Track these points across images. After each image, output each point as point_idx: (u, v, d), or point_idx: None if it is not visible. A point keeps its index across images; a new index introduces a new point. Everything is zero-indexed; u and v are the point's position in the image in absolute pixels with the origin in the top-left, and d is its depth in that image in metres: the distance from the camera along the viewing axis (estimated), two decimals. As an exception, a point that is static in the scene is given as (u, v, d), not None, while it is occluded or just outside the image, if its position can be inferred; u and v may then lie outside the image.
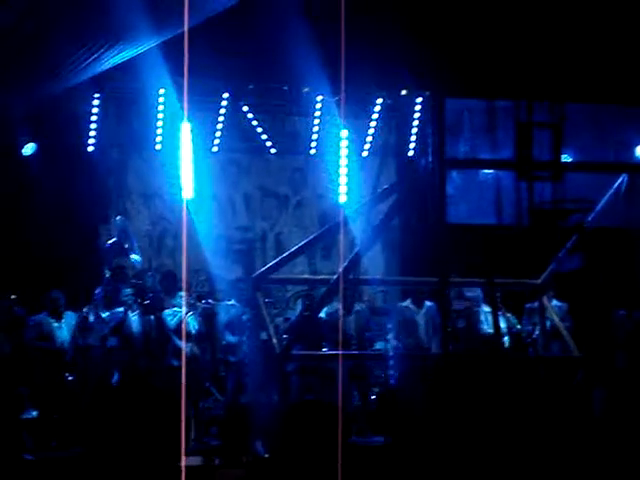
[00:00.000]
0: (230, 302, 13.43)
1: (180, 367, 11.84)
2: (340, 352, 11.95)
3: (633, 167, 11.49)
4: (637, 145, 11.46)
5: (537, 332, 13.12)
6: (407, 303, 13.63)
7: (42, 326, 12.13)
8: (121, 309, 12.35)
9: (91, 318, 12.30)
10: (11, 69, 10.20)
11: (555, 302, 13.18)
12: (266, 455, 10.81)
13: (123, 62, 11.11)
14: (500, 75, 11.49)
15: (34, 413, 11.89)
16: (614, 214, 11.38)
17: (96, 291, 12.73)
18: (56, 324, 12.10)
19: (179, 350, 12.08)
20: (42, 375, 12.02)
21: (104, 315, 12.35)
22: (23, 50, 9.66)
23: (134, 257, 13.41)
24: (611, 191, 11.38)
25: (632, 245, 14.77)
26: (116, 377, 12.28)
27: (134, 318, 12.28)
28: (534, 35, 12.31)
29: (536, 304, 13.20)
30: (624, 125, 11.42)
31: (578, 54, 12.47)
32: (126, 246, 13.35)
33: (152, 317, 12.31)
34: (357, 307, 14.10)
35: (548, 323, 12.91)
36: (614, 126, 11.41)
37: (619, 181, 11.43)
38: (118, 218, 13.85)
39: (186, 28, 6.80)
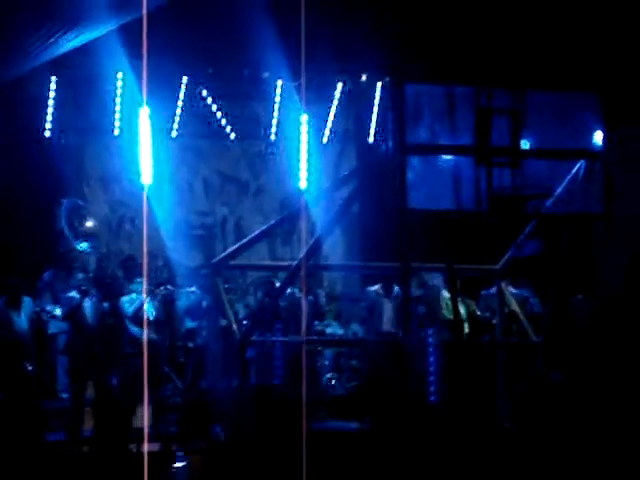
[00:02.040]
0: (191, 289, 13.38)
1: (135, 354, 11.76)
2: (301, 338, 11.97)
3: (591, 153, 11.52)
4: (595, 131, 11.50)
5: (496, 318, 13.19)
6: (377, 288, 13.65)
7: None
8: (74, 294, 12.19)
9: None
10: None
11: (511, 289, 13.25)
12: (225, 441, 10.79)
13: (81, 45, 10.98)
14: (460, 61, 11.51)
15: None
16: (572, 200, 11.43)
17: (44, 275, 12.62)
18: (14, 312, 11.91)
19: (135, 337, 12.02)
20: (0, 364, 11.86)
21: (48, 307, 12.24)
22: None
23: (81, 245, 13.26)
24: (569, 177, 11.43)
25: (589, 231, 14.92)
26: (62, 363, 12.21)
27: (87, 304, 12.14)
28: (494, 21, 12.35)
29: (492, 290, 13.27)
30: (583, 111, 11.45)
31: (537, 40, 12.52)
32: (68, 234, 13.20)
33: (106, 304, 12.18)
34: (317, 292, 14.17)
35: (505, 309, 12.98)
36: (573, 112, 11.43)
37: (577, 167, 11.49)
38: (64, 201, 13.69)
39: (145, 11, 6.73)
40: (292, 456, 8.19)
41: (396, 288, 13.50)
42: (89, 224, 13.34)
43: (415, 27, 11.55)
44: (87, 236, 13.32)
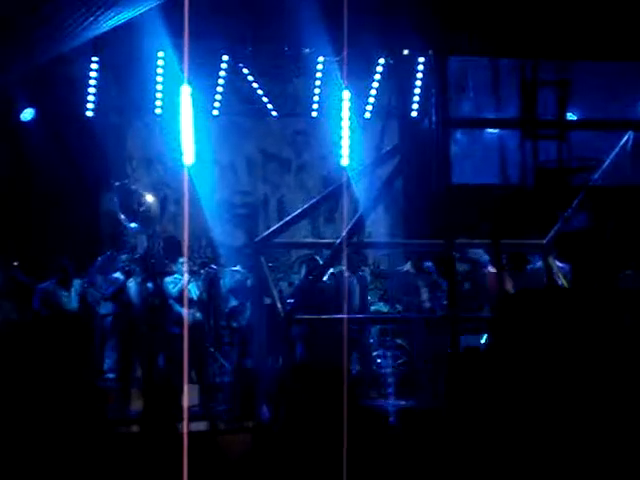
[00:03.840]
0: (235, 268, 13.36)
1: (181, 334, 11.78)
2: (345, 316, 11.89)
3: (639, 124, 11.32)
4: (643, 102, 11.32)
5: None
6: (408, 266, 13.55)
7: (49, 295, 12.05)
8: (118, 275, 12.23)
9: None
10: (8, 33, 10.05)
11: (558, 263, 13.09)
12: (271, 420, 10.76)
13: (121, 24, 10.94)
14: (504, 33, 11.32)
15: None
16: (620, 172, 11.26)
17: (97, 259, 12.66)
18: (64, 293, 12.00)
19: (180, 317, 12.03)
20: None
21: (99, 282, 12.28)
22: (20, 13, 9.50)
23: (132, 225, 13.30)
24: (617, 149, 11.24)
25: (638, 203, 14.65)
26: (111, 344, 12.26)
27: (132, 284, 12.17)
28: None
29: (538, 265, 13.10)
30: (630, 82, 11.24)
31: (583, 10, 12.28)
32: (122, 216, 13.25)
33: (150, 284, 12.20)
34: (361, 271, 14.06)
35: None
36: (620, 83, 11.23)
37: (625, 139, 11.30)
38: (117, 183, 13.74)
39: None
40: (338, 435, 8.13)
41: (427, 264, 13.38)
42: (145, 206, 13.37)
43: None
44: (143, 218, 13.37)
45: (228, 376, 12.83)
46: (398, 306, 14.22)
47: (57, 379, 9.02)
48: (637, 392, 9.31)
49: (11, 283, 12.39)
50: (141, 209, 13.39)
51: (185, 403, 9.16)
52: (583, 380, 9.59)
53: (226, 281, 13.18)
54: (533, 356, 9.69)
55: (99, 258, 12.78)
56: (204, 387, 12.38)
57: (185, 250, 12.13)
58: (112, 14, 9.76)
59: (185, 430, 7.46)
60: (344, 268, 13.13)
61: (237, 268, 13.30)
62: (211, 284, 12.98)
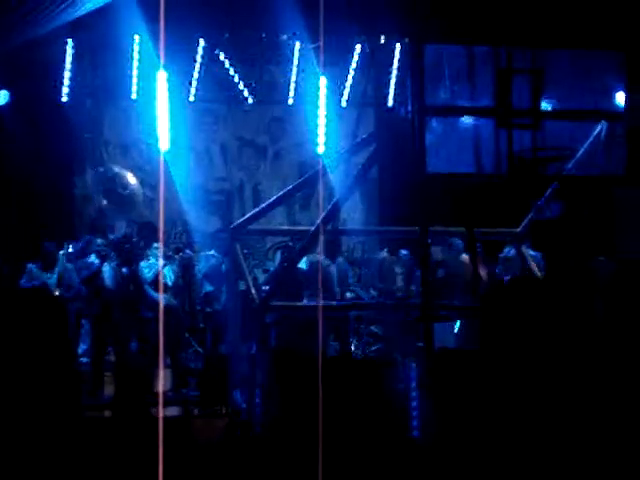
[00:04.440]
0: (210, 252, 13.36)
1: (155, 319, 11.78)
2: (319, 303, 11.90)
3: (612, 114, 11.38)
4: (617, 92, 11.35)
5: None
6: (385, 253, 13.61)
7: (33, 273, 12.04)
8: (93, 259, 12.21)
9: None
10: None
11: (530, 251, 13.18)
12: (244, 405, 10.80)
13: (98, 8, 10.90)
14: (479, 20, 11.34)
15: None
16: (593, 162, 11.31)
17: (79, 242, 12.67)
18: (47, 275, 12.00)
19: (155, 302, 12.02)
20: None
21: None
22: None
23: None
24: (590, 139, 11.29)
25: (611, 193, 14.77)
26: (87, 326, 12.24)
27: (106, 269, 12.15)
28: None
29: (511, 253, 13.17)
30: (604, 71, 11.30)
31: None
32: (104, 202, 13.25)
33: (125, 269, 12.19)
34: (338, 258, 14.09)
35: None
36: (594, 72, 11.29)
37: (598, 128, 11.35)
38: (99, 170, 13.73)
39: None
40: (311, 420, 8.18)
41: (403, 251, 13.43)
42: (129, 189, 13.37)
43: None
44: (127, 201, 13.37)
45: (202, 361, 12.84)
46: (373, 292, 14.28)
47: (32, 359, 9.04)
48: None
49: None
50: (126, 192, 13.40)
51: (160, 388, 9.18)
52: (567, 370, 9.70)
53: (201, 266, 13.19)
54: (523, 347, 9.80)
55: (80, 242, 12.74)
56: (178, 372, 12.39)
57: (161, 235, 12.11)
58: (88, -3, 9.73)
59: (160, 415, 7.50)
60: (321, 256, 13.18)
61: (212, 252, 13.30)
62: (186, 269, 12.99)
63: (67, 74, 14.48)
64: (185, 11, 13.12)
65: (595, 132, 11.29)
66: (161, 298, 11.89)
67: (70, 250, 12.23)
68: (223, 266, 13.01)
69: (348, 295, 13.98)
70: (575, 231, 12.37)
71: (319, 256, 13.23)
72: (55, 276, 11.98)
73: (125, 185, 13.57)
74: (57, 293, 11.92)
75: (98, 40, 14.35)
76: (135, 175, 14.61)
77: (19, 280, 12.00)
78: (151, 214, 14.75)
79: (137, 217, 14.45)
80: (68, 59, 14.42)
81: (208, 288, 13.17)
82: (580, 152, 11.23)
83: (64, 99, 14.52)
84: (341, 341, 13.26)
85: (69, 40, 14.23)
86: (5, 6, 9.79)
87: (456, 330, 13.25)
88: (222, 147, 16.11)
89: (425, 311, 11.50)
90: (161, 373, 9.78)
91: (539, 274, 12.82)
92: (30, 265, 12.03)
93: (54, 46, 14.02)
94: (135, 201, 13.57)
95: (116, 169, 14.00)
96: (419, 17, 10.81)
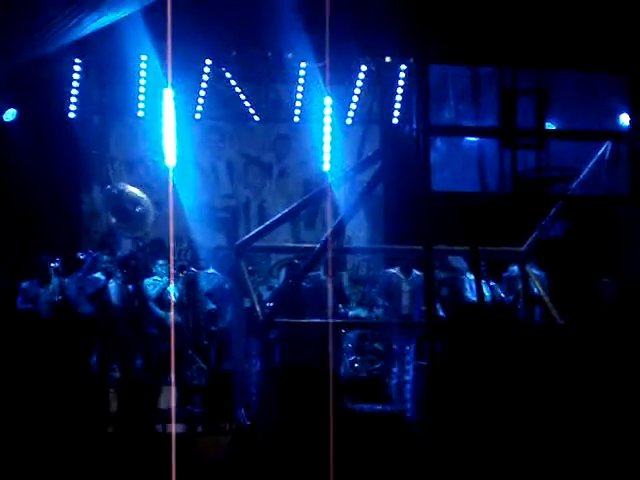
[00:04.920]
0: (210, 271, 13.40)
1: (160, 335, 11.83)
2: (327, 320, 11.94)
3: (617, 135, 11.42)
4: (621, 112, 11.40)
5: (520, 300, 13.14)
6: (395, 270, 13.64)
7: (29, 291, 12.10)
8: (99, 275, 12.26)
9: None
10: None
11: (535, 270, 13.20)
12: (249, 423, 10.81)
13: (105, 27, 10.98)
14: (484, 41, 11.42)
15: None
16: (598, 182, 11.35)
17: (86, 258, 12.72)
18: (42, 290, 12.05)
19: (159, 319, 12.06)
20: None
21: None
22: (3, 14, 9.53)
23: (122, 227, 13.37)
24: (595, 159, 11.34)
25: (615, 213, 14.81)
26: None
27: (112, 285, 12.21)
28: (519, 0, 12.24)
29: (514, 272, 13.21)
30: (609, 92, 11.36)
31: (564, 20, 12.40)
32: (113, 220, 13.30)
33: (131, 286, 12.24)
34: (340, 275, 14.15)
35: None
36: (599, 93, 11.34)
37: (603, 149, 11.39)
38: (108, 187, 13.78)
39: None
40: (318, 438, 8.18)
41: (415, 271, 13.47)
42: (141, 206, 13.42)
43: (440, 7, 11.46)
44: (138, 219, 13.40)
45: (205, 378, 12.87)
46: (376, 310, 14.30)
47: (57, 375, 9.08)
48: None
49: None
50: (137, 209, 13.44)
51: (173, 404, 9.21)
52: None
53: (203, 284, 13.23)
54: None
55: (88, 258, 12.79)
56: (182, 389, 12.42)
57: (171, 253, 12.17)
58: (96, 16, 9.80)
59: (173, 431, 7.51)
60: (321, 273, 13.22)
61: (212, 271, 13.34)
62: (190, 286, 13.04)
63: (74, 91, 14.57)
64: (192, 30, 13.21)
65: (599, 152, 11.34)
66: (171, 315, 11.95)
67: (56, 265, 12.23)
68: (226, 285, 13.05)
69: (351, 313, 14.01)
70: (579, 251, 12.40)
71: (318, 272, 13.29)
72: (49, 291, 12.02)
73: (136, 202, 13.62)
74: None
75: (105, 58, 14.43)
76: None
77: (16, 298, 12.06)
78: (157, 231, 14.79)
79: (144, 235, 14.49)
80: (75, 77, 14.51)
81: (211, 306, 13.20)
82: (584, 172, 11.27)
83: (71, 116, 14.60)
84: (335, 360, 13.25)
85: (76, 58, 14.31)
86: (13, 24, 9.86)
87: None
88: (228, 165, 16.18)
89: (429, 330, 11.52)
90: (173, 389, 9.81)
91: (543, 293, 12.84)
92: (24, 284, 12.08)
93: (62, 64, 14.11)
94: (146, 219, 13.61)
95: (125, 186, 14.05)
96: (424, 38, 10.89)
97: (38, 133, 14.00)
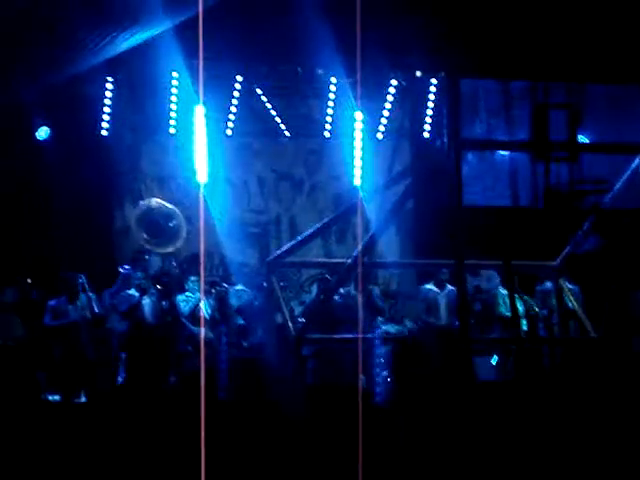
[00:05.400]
0: (239, 287, 13.41)
1: (193, 352, 11.84)
2: (358, 336, 11.90)
3: (650, 148, 11.36)
4: (654, 125, 11.36)
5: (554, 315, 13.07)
6: (430, 285, 13.61)
7: (57, 308, 12.15)
8: (133, 292, 12.32)
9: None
10: (25, 52, 10.17)
11: (568, 284, 13.12)
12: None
13: (137, 45, 11.05)
14: (515, 55, 11.39)
15: (56, 397, 11.88)
16: (631, 195, 11.28)
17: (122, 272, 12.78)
18: (70, 306, 12.10)
19: (193, 335, 12.09)
20: (61, 354, 12.02)
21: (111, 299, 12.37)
22: (38, 33, 9.61)
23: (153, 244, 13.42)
24: (628, 172, 11.27)
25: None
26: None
27: (146, 302, 12.25)
28: (549, 14, 12.18)
29: (548, 286, 13.14)
30: (641, 105, 11.33)
31: (594, 33, 12.34)
32: (144, 235, 13.36)
33: (165, 302, 12.28)
34: (372, 290, 14.08)
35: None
36: (631, 106, 11.29)
37: (636, 162, 11.32)
38: (141, 203, 13.86)
39: (200, 10, 6.75)
40: (349, 451, 8.17)
41: (448, 286, 13.42)
42: (175, 221, 13.47)
43: (470, 22, 11.43)
44: (171, 234, 13.44)
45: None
46: (408, 325, 14.23)
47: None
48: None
49: (22, 300, 12.50)
50: (170, 224, 13.48)
51: (202, 422, 9.20)
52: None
53: (233, 301, 13.23)
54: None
55: (121, 274, 12.84)
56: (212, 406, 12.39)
57: (201, 269, 12.19)
58: (128, 35, 9.88)
59: (202, 445, 7.54)
60: (352, 288, 13.18)
61: (240, 287, 13.36)
62: (222, 302, 13.04)
63: (107, 109, 14.67)
64: (223, 47, 13.28)
65: (633, 166, 11.27)
66: (202, 331, 11.96)
67: (82, 281, 12.27)
68: (255, 301, 13.06)
69: (383, 328, 13.95)
70: (613, 264, 12.29)
71: (349, 288, 13.26)
72: (79, 308, 12.06)
73: (170, 217, 13.67)
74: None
75: (137, 75, 14.52)
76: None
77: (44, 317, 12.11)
78: (188, 247, 14.83)
79: (175, 250, 14.52)
80: (108, 94, 14.61)
81: (240, 322, 13.20)
82: (617, 185, 11.21)
83: (104, 133, 14.69)
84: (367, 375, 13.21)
85: (108, 77, 14.40)
86: (46, 44, 9.96)
87: (494, 363, 13.21)
88: (259, 180, 16.19)
89: (463, 344, 11.48)
90: (202, 407, 9.80)
91: (577, 307, 12.76)
92: (51, 302, 12.12)
93: (94, 82, 14.21)
94: (179, 233, 13.64)
95: (158, 201, 14.10)
96: (455, 52, 10.88)
97: (71, 151, 14.10)
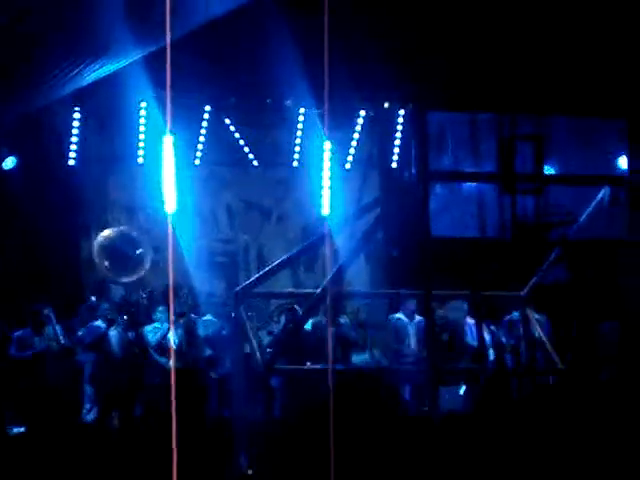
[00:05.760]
0: (207, 317, 13.36)
1: (161, 384, 11.76)
2: (327, 366, 11.86)
3: (615, 179, 11.47)
4: (619, 157, 11.45)
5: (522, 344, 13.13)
6: (399, 315, 13.63)
7: (23, 340, 12.07)
8: (100, 323, 12.23)
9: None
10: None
11: (535, 315, 13.19)
12: (250, 471, 10.73)
13: (105, 75, 11.02)
14: (482, 88, 11.49)
15: (21, 429, 11.77)
16: (597, 226, 11.37)
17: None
18: (37, 337, 12.02)
19: (160, 367, 12.01)
20: (26, 386, 11.92)
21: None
22: (5, 64, 9.56)
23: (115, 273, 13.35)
24: (594, 203, 11.37)
25: (615, 257, 14.80)
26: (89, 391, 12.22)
27: (113, 333, 12.17)
28: (515, 48, 12.32)
29: (515, 316, 13.21)
30: (607, 137, 11.41)
31: (560, 67, 12.49)
32: (106, 263, 13.28)
33: (132, 333, 12.22)
34: (341, 320, 14.07)
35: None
36: (597, 138, 11.40)
37: (602, 193, 11.43)
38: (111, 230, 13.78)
39: (168, 41, 6.74)
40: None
41: (417, 316, 13.45)
42: (141, 248, 13.41)
43: (438, 54, 11.55)
44: (135, 263, 13.38)
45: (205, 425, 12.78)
46: (376, 354, 14.23)
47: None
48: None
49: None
50: (137, 251, 13.41)
51: (174, 453, 9.12)
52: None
53: (200, 331, 13.18)
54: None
55: (82, 306, 12.78)
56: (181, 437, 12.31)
57: (170, 299, 12.15)
58: (97, 66, 9.85)
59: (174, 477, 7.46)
60: (321, 318, 13.18)
61: (209, 317, 13.31)
62: (189, 333, 12.99)
63: (74, 139, 14.60)
64: (191, 77, 13.28)
65: (598, 197, 11.36)
66: (172, 362, 11.90)
67: (49, 312, 12.19)
68: (223, 331, 13.01)
69: (355, 359, 13.94)
70: (580, 295, 12.38)
71: (320, 318, 13.24)
72: (45, 339, 11.98)
73: (136, 244, 13.61)
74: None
75: (105, 105, 14.48)
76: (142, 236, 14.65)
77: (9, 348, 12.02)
78: (155, 277, 14.77)
79: (137, 279, 14.43)
80: (75, 124, 14.55)
81: (209, 352, 13.14)
82: (583, 217, 11.29)
83: (71, 163, 14.62)
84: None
85: (76, 107, 14.35)
86: (13, 75, 9.90)
87: (461, 393, 13.23)
88: (227, 209, 16.18)
89: (430, 375, 11.50)
90: (174, 438, 9.73)
91: (544, 337, 12.82)
92: (17, 333, 12.04)
93: (61, 111, 14.16)
94: (145, 261, 13.58)
95: (123, 229, 14.03)
96: (422, 84, 10.96)
97: (38, 180, 14.03)
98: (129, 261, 13.44)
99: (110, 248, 13.47)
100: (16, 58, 9.32)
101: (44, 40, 8.82)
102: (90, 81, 10.91)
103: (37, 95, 10.75)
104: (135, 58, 10.64)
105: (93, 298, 12.84)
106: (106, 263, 13.27)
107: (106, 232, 13.75)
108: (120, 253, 13.44)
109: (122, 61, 10.39)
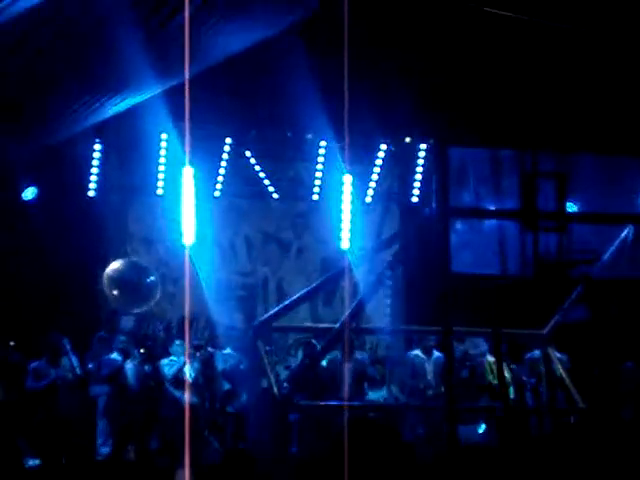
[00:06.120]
0: (226, 351, 13.28)
1: (176, 418, 11.67)
2: (343, 403, 11.75)
3: (639, 218, 11.37)
4: (643, 195, 11.38)
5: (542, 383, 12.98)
6: (417, 352, 13.52)
7: (39, 370, 12.01)
8: (116, 356, 12.17)
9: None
10: (14, 115, 10.14)
11: (557, 353, 13.05)
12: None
13: (126, 108, 11.04)
14: (504, 124, 11.43)
15: (36, 461, 11.69)
16: (620, 265, 11.26)
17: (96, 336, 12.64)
18: (52, 369, 11.96)
19: (176, 401, 11.92)
20: (42, 418, 11.85)
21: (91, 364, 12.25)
22: (28, 97, 9.60)
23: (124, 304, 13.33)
24: (617, 242, 11.26)
25: (637, 296, 14.64)
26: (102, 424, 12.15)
27: (129, 366, 12.10)
28: (539, 85, 12.26)
29: (536, 354, 13.07)
30: (630, 175, 11.33)
31: (583, 104, 12.41)
32: (115, 292, 13.24)
33: (148, 366, 12.13)
34: (357, 355, 13.95)
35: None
36: (620, 176, 11.32)
37: (625, 232, 11.32)
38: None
39: (187, 75, 6.74)
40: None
41: (435, 352, 13.33)
42: (151, 277, 13.35)
43: (460, 91, 11.51)
44: (145, 292, 13.32)
45: (221, 459, 12.65)
46: (394, 391, 14.07)
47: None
48: None
49: (2, 362, 12.34)
50: (148, 280, 13.34)
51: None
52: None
53: (219, 364, 13.09)
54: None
55: (94, 338, 12.73)
56: (197, 471, 12.20)
57: (186, 332, 12.08)
58: (118, 100, 9.87)
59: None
60: (339, 354, 13.07)
61: (228, 351, 13.23)
62: (206, 366, 12.90)
63: (94, 170, 14.59)
64: (212, 109, 13.30)
65: (622, 235, 11.26)
66: (187, 397, 11.80)
67: (65, 343, 12.15)
68: (241, 365, 12.92)
69: (372, 395, 13.79)
70: (602, 334, 12.23)
71: (336, 353, 13.13)
72: (61, 370, 11.93)
73: (147, 273, 13.55)
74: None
75: (125, 137, 14.48)
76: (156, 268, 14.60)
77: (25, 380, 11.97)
78: (172, 309, 14.71)
79: (149, 310, 14.35)
80: (96, 155, 14.54)
81: (226, 386, 13.05)
82: (606, 255, 11.19)
83: (91, 194, 14.61)
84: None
85: (97, 139, 14.36)
86: (36, 108, 9.93)
87: (480, 432, 13.07)
88: (246, 242, 16.11)
89: (449, 412, 11.35)
90: (187, 472, 9.61)
91: (565, 376, 12.67)
92: (33, 364, 11.99)
93: (82, 143, 14.16)
94: (155, 291, 13.51)
95: (132, 259, 13.98)
96: (444, 120, 10.91)
97: (57, 211, 14.01)
98: (139, 291, 13.36)
99: (119, 279, 13.39)
100: (31, 96, 9.35)
101: (66, 75, 8.85)
102: (112, 114, 10.94)
103: (57, 128, 10.78)
104: (155, 92, 10.66)
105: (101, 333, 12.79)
106: (115, 292, 13.19)
107: (115, 264, 13.68)
108: (130, 283, 13.36)
109: (143, 95, 10.42)
